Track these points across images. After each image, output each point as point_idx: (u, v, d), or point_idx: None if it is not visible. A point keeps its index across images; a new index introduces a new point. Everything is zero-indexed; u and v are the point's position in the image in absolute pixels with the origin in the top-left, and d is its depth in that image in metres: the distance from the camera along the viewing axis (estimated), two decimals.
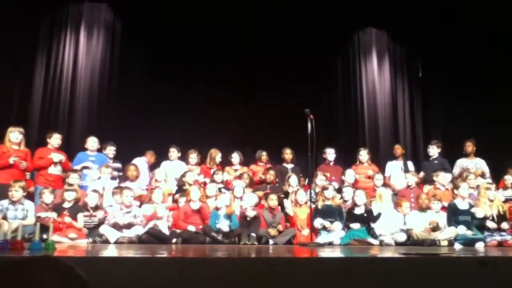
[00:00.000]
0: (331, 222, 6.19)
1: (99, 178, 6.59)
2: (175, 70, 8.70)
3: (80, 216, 5.72)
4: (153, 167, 7.45)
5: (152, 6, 8.75)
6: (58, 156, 6.36)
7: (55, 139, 6.52)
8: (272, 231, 6.13)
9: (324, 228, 6.16)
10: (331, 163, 7.66)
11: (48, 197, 5.79)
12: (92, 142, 6.92)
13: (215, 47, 8.81)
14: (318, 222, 6.15)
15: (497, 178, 7.29)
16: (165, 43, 8.73)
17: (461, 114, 9.26)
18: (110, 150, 7.13)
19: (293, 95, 8.83)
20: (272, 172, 7.14)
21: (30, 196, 6.00)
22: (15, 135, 6.04)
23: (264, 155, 7.65)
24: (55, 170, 6.34)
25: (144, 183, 7.02)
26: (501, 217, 6.11)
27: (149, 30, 8.77)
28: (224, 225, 6.04)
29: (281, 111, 8.78)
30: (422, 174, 7.45)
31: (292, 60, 9.05)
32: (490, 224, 6.02)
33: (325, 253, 4.02)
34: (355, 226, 6.09)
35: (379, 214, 6.17)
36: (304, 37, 9.12)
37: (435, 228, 5.97)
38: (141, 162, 7.20)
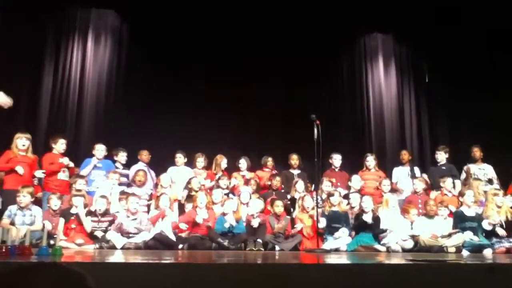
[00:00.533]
0: (337, 228, 6.17)
1: (106, 184, 6.62)
2: (182, 75, 8.72)
3: (87, 219, 5.74)
4: (155, 167, 7.45)
5: (158, 12, 8.81)
6: (68, 160, 6.39)
7: (61, 144, 6.54)
8: (279, 225, 6.12)
9: (330, 228, 6.13)
10: (337, 169, 7.64)
11: (55, 202, 5.83)
12: (100, 150, 6.95)
13: (219, 51, 8.82)
14: (323, 223, 6.15)
15: (505, 184, 7.23)
16: (172, 49, 8.76)
17: (468, 119, 9.23)
18: (122, 157, 7.15)
19: (298, 100, 8.84)
20: (278, 178, 7.14)
21: (38, 202, 6.04)
22: (22, 141, 6.07)
23: (269, 161, 7.64)
24: (63, 176, 6.38)
25: (148, 186, 7.03)
26: (509, 223, 6.06)
27: (156, 37, 8.83)
28: (232, 221, 6.06)
29: (286, 116, 8.79)
30: (425, 176, 7.40)
31: (297, 65, 9.05)
32: (500, 231, 5.96)
33: (332, 259, 4.01)
34: (367, 218, 6.06)
35: (384, 230, 6.11)
36: (309, 42, 9.12)
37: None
38: (141, 167, 7.21)
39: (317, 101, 9.18)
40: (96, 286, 1.05)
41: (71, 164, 6.43)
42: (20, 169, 5.88)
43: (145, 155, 7.39)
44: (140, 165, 7.24)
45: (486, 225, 6.01)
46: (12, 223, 5.33)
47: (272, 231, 6.16)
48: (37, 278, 0.99)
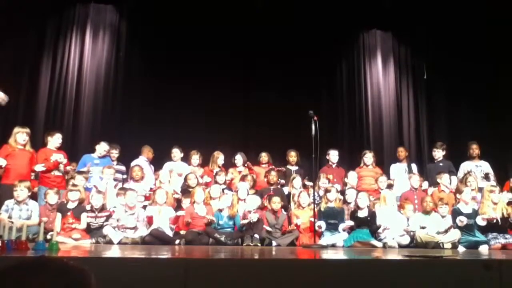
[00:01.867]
0: (334, 224, 6.19)
1: (101, 179, 6.61)
2: (181, 71, 8.68)
3: (83, 216, 5.73)
4: (153, 163, 7.45)
5: (157, 8, 8.78)
6: (59, 156, 6.31)
7: (57, 139, 6.47)
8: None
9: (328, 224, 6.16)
10: (334, 165, 7.65)
11: (52, 198, 5.81)
12: (102, 148, 6.93)
13: (217, 48, 8.79)
14: (323, 224, 6.15)
15: (502, 180, 7.25)
16: (170, 45, 8.75)
17: (466, 116, 9.26)
18: (112, 153, 7.14)
19: (297, 97, 8.84)
20: (273, 173, 7.11)
21: (33, 197, 6.02)
22: (22, 136, 6.03)
23: (264, 157, 7.62)
24: (57, 171, 6.33)
25: (150, 183, 7.02)
26: (505, 220, 6.08)
27: (155, 32, 8.81)
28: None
29: (285, 112, 8.78)
30: (426, 183, 7.36)
31: (296, 62, 9.04)
32: (480, 220, 5.98)
33: (328, 255, 4.02)
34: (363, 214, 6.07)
35: (378, 226, 6.13)
36: (308, 38, 9.12)
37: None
38: (142, 162, 7.21)
39: (316, 97, 9.19)
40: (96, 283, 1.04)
41: (64, 161, 6.34)
42: (2, 161, 5.84)
43: (147, 151, 7.39)
44: (138, 161, 7.23)
45: (480, 220, 6.02)
46: (9, 218, 5.31)
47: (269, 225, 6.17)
48: (37, 275, 0.98)
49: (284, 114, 8.91)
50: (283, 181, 7.22)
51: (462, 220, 5.91)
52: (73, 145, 7.83)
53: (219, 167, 7.34)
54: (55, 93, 8.40)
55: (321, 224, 6.11)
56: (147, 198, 6.61)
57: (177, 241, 5.76)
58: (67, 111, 8.35)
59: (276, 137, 8.60)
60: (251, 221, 5.95)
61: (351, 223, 6.17)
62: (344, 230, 6.14)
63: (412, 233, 6.02)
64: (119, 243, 5.48)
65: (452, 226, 5.97)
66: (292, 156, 7.59)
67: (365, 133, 9.46)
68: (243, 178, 7.02)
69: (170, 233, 5.90)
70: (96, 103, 8.55)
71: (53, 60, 8.54)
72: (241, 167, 7.45)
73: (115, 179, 6.73)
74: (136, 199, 6.07)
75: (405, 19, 9.45)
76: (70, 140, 7.87)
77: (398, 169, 7.66)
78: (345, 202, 6.67)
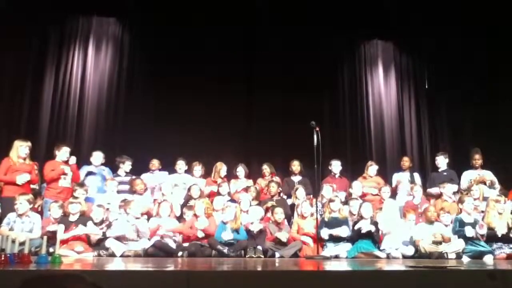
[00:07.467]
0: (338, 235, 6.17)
1: (99, 189, 6.62)
2: (183, 83, 8.67)
3: (90, 223, 5.73)
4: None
5: (159, 21, 8.85)
6: (68, 168, 6.36)
7: (64, 153, 6.49)
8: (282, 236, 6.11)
9: (332, 237, 6.12)
10: (337, 175, 7.63)
11: (56, 211, 5.81)
12: (96, 157, 6.93)
13: (220, 56, 8.83)
14: (326, 233, 6.12)
15: (506, 189, 7.21)
16: (173, 57, 8.77)
17: (467, 124, 9.27)
18: (128, 165, 7.13)
19: (298, 107, 8.83)
20: (273, 184, 7.09)
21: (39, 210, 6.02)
22: (24, 149, 6.03)
23: (266, 168, 7.61)
24: (64, 182, 6.33)
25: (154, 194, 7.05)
26: (510, 230, 6.04)
27: (157, 45, 8.85)
28: (228, 235, 6.03)
29: (287, 123, 8.79)
30: (434, 189, 7.34)
31: (297, 72, 9.07)
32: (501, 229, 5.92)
33: (332, 266, 3.99)
34: (366, 225, 6.01)
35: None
36: (309, 48, 9.15)
37: (444, 240, 5.92)
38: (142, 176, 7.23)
39: (317, 108, 9.19)
40: None
41: (69, 173, 6.35)
42: (20, 179, 5.86)
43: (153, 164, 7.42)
44: (144, 174, 7.26)
45: (478, 229, 5.98)
46: (11, 231, 5.30)
47: (272, 238, 6.14)
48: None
49: (285, 125, 8.92)
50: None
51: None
52: (76, 156, 7.82)
53: (221, 178, 7.31)
54: (58, 105, 8.44)
55: (325, 233, 6.10)
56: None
57: (180, 253, 5.74)
58: (69, 123, 8.38)
59: (278, 148, 8.59)
60: (253, 231, 5.94)
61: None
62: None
63: (416, 243, 5.99)
64: (122, 255, 5.46)
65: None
66: (295, 165, 7.56)
67: (367, 143, 9.44)
68: (245, 190, 7.00)
69: (173, 245, 5.89)
70: (98, 115, 8.58)
71: (56, 72, 8.59)
72: (243, 179, 7.43)
73: (119, 191, 6.72)
74: (141, 210, 6.08)
75: (405, 29, 9.50)
76: (73, 152, 7.86)
77: (401, 178, 7.62)
78: (349, 212, 6.66)
